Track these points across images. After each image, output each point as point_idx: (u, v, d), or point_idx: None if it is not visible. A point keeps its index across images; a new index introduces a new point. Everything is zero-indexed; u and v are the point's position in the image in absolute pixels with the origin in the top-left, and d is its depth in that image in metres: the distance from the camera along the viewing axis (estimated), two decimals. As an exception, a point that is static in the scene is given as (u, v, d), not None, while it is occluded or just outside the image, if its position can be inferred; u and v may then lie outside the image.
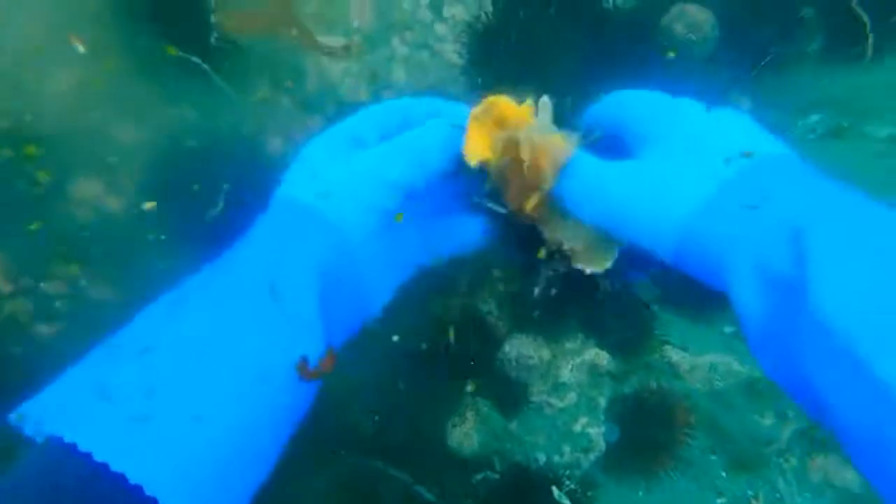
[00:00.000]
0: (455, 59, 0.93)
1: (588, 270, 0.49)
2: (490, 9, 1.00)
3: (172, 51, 0.70)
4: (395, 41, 0.90)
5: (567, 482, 1.02)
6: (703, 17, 1.31)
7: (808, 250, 0.33)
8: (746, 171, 0.39)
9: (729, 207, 0.38)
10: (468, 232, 0.54)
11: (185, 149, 0.72)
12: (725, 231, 0.38)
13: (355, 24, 0.85)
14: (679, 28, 1.32)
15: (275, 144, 0.80)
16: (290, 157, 0.49)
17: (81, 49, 0.67)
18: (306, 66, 0.83)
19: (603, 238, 0.49)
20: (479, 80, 0.97)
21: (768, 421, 1.15)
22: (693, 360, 1.18)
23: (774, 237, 0.35)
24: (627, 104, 0.50)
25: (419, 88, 0.90)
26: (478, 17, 0.98)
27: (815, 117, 1.42)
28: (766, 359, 0.37)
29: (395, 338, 0.81)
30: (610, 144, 0.49)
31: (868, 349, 0.29)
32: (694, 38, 1.34)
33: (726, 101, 1.34)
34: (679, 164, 0.41)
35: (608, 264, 0.50)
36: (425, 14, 0.92)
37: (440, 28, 0.93)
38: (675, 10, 1.31)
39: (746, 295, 0.37)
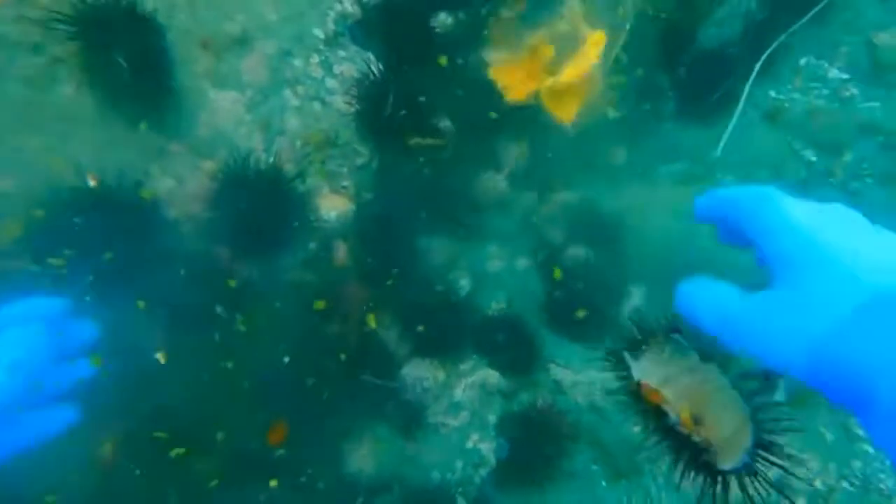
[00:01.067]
0: (345, 108, 1.05)
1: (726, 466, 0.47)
2: (379, 66, 1.14)
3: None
4: (288, 93, 1.00)
5: (461, 500, 1.11)
6: None
7: None
8: (884, 292, 0.39)
9: (866, 329, 0.38)
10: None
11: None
12: (859, 356, 0.38)
13: (246, 78, 0.95)
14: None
15: (168, 186, 0.86)
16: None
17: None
18: (199, 114, 0.90)
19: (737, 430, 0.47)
20: (368, 126, 1.09)
21: (639, 429, 1.30)
22: (575, 376, 1.33)
23: None
24: (760, 213, 0.46)
25: (312, 133, 1.01)
26: (367, 73, 1.11)
27: (676, 165, 1.68)
28: None
29: (286, 359, 0.87)
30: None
31: None
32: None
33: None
34: (815, 284, 0.40)
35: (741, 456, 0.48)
36: (317, 71, 1.03)
37: (331, 82, 1.05)
38: None
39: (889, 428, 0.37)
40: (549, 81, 1.13)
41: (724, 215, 0.50)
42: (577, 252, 1.38)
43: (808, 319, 0.40)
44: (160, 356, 0.81)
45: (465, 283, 1.35)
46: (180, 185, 0.86)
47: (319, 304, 1.00)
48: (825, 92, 1.74)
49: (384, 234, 1.10)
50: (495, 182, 1.45)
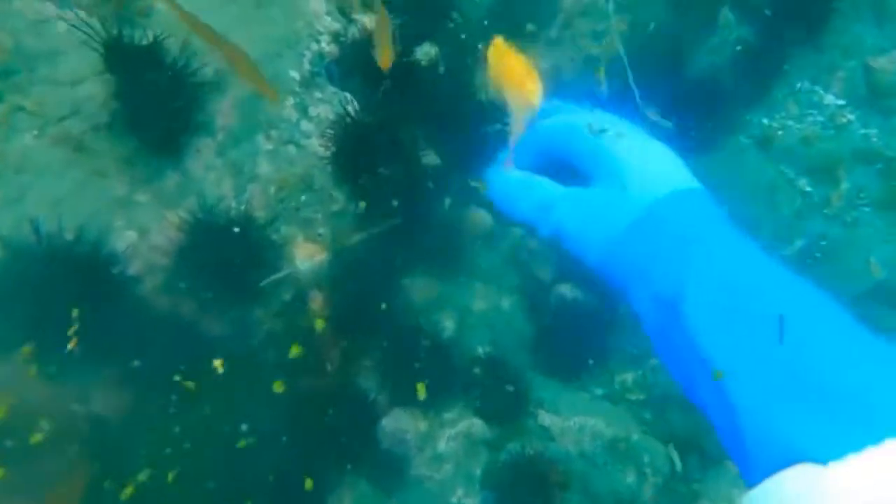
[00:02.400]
0: (321, 151, 1.04)
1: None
2: (356, 107, 1.13)
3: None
4: (260, 138, 0.99)
5: (445, 558, 1.08)
6: None
7: (685, 284, 0.46)
8: (656, 206, 0.50)
9: (639, 237, 0.49)
10: None
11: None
12: (632, 259, 0.50)
13: (216, 122, 0.94)
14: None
15: (131, 239, 0.84)
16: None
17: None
18: (165, 161, 0.89)
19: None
20: (345, 169, 1.09)
21: (630, 478, 1.29)
22: (564, 422, 1.31)
23: (664, 270, 0.47)
24: (570, 134, 0.62)
25: (286, 178, 0.99)
26: (344, 115, 1.10)
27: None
28: (659, 349, 0.51)
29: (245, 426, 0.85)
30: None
31: (712, 352, 0.44)
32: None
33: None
34: (610, 195, 0.53)
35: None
36: (292, 113, 1.03)
37: (306, 125, 1.04)
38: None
39: (644, 309, 0.50)
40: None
41: (545, 148, 0.64)
42: (565, 291, 1.37)
43: (601, 223, 0.52)
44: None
45: (449, 325, 1.33)
46: (144, 237, 0.85)
47: (295, 350, 0.99)
48: (820, 118, 1.75)
49: (361, 279, 1.09)
50: (481, 216, 1.44)
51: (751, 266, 0.46)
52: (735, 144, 1.66)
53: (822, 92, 1.73)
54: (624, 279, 0.52)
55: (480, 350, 1.31)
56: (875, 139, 1.72)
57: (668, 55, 1.56)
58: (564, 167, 0.64)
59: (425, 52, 1.42)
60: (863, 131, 1.73)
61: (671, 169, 0.57)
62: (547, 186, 0.61)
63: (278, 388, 0.86)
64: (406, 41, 1.14)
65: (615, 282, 0.54)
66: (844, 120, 1.71)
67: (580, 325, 1.36)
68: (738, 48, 1.52)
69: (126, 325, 0.79)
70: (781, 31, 1.56)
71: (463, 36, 1.34)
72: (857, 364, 0.42)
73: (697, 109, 1.60)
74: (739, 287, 0.45)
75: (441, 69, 1.27)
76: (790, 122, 1.84)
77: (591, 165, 0.59)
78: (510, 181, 0.64)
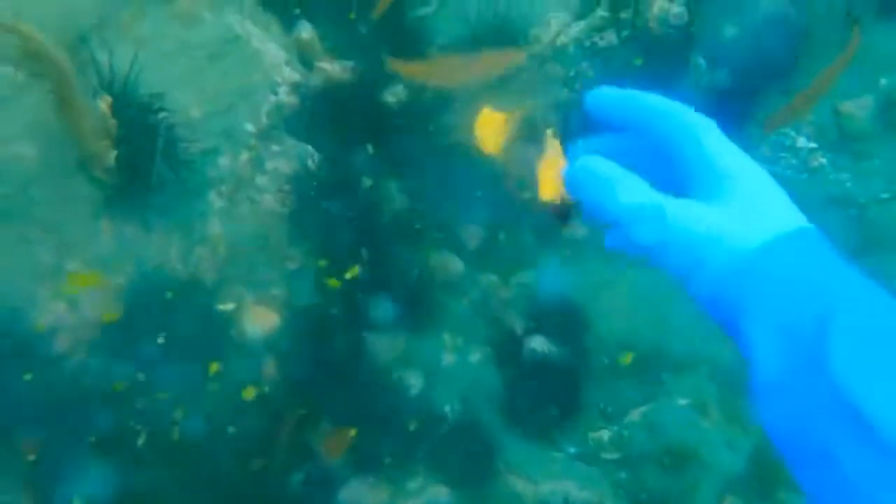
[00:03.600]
0: (276, 207, 1.00)
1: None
2: (316, 159, 1.10)
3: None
4: (212, 195, 0.96)
5: None
6: None
7: (832, 324, 0.39)
8: (791, 235, 0.45)
9: (763, 269, 0.44)
10: None
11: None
12: (756, 286, 0.44)
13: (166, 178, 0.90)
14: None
15: (58, 311, 0.79)
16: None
17: None
18: (101, 222, 0.85)
19: None
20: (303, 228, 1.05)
21: (604, 546, 1.25)
22: (535, 487, 1.27)
23: (800, 304, 0.42)
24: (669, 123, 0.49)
25: (237, 240, 0.96)
26: (304, 166, 1.08)
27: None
28: (769, 408, 0.43)
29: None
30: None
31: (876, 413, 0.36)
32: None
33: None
34: (734, 213, 0.46)
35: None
36: (246, 169, 0.99)
37: (261, 180, 1.01)
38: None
39: (764, 346, 0.43)
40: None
41: (639, 119, 0.50)
42: (537, 345, 1.34)
43: (722, 243, 0.44)
44: None
45: (415, 382, 1.29)
46: (73, 309, 0.80)
47: (249, 393, 0.93)
48: (794, 161, 1.78)
49: (318, 342, 1.05)
50: (451, 262, 1.41)
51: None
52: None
53: (794, 135, 1.77)
54: (742, 307, 0.45)
55: (448, 408, 1.27)
56: (848, 184, 1.75)
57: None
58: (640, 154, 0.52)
59: (394, 92, 1.42)
60: (835, 175, 1.76)
61: (788, 201, 0.49)
62: (647, 187, 0.48)
63: (247, 394, 0.80)
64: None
65: (727, 308, 0.47)
66: (817, 163, 1.75)
67: (553, 380, 1.33)
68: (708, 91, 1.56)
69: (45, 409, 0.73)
70: (751, 75, 1.60)
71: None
72: None
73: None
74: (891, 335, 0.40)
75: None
76: (763, 165, 1.88)
77: (695, 170, 0.49)
78: (599, 170, 0.50)
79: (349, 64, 1.27)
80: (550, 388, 1.31)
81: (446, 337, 1.40)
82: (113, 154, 0.80)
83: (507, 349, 1.36)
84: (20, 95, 0.83)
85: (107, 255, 0.85)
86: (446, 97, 1.52)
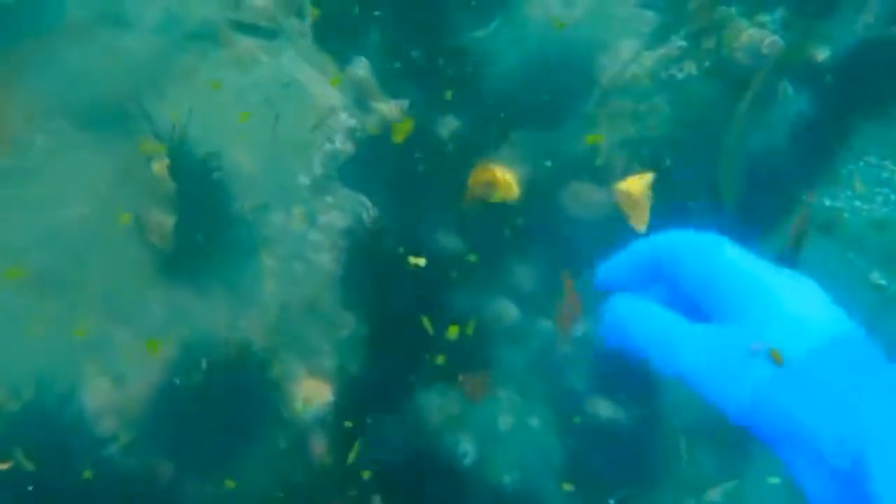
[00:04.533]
0: (330, 266, 0.96)
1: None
2: (372, 211, 1.06)
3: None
4: (263, 255, 0.92)
5: None
6: (595, 195, 1.46)
7: (868, 450, 0.38)
8: (813, 354, 0.43)
9: (791, 388, 0.42)
10: None
11: None
12: (786, 413, 0.42)
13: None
14: (574, 208, 1.46)
15: (104, 389, 0.76)
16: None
17: None
18: (152, 294, 0.82)
19: None
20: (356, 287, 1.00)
21: None
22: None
23: (832, 428, 0.41)
24: (693, 255, 0.51)
25: (289, 304, 0.91)
26: (359, 219, 1.03)
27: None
28: None
29: None
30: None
31: None
32: (590, 215, 1.48)
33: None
34: (752, 332, 0.45)
35: None
36: (299, 225, 0.95)
37: (315, 236, 0.96)
38: (567, 190, 1.45)
39: (804, 472, 0.42)
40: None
41: (653, 261, 0.51)
42: (601, 409, 1.25)
43: (743, 373, 0.43)
44: None
45: (468, 449, 1.22)
46: (119, 385, 0.77)
47: (296, 473, 0.88)
48: (893, 198, 1.63)
49: (371, 408, 0.99)
50: (507, 308, 1.34)
51: None
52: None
53: (892, 167, 1.62)
54: (776, 435, 0.44)
55: (507, 478, 1.19)
56: (956, 222, 1.59)
57: (717, 135, 1.47)
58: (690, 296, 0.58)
59: (447, 124, 1.36)
60: (940, 211, 1.60)
61: (822, 308, 0.47)
62: (670, 318, 0.50)
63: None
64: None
65: (762, 436, 0.45)
66: (918, 198, 1.59)
67: (620, 449, 1.24)
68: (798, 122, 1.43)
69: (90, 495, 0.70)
70: (846, 102, 1.47)
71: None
72: None
73: (750, 192, 1.50)
74: None
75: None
76: (857, 203, 1.72)
77: (717, 296, 0.48)
78: (622, 306, 0.53)
79: (405, 102, 1.23)
80: (617, 457, 1.21)
81: (503, 396, 1.32)
82: (171, 220, 0.77)
83: (568, 412, 1.27)
84: (77, 152, 0.82)
85: (157, 324, 0.82)
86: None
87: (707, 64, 1.26)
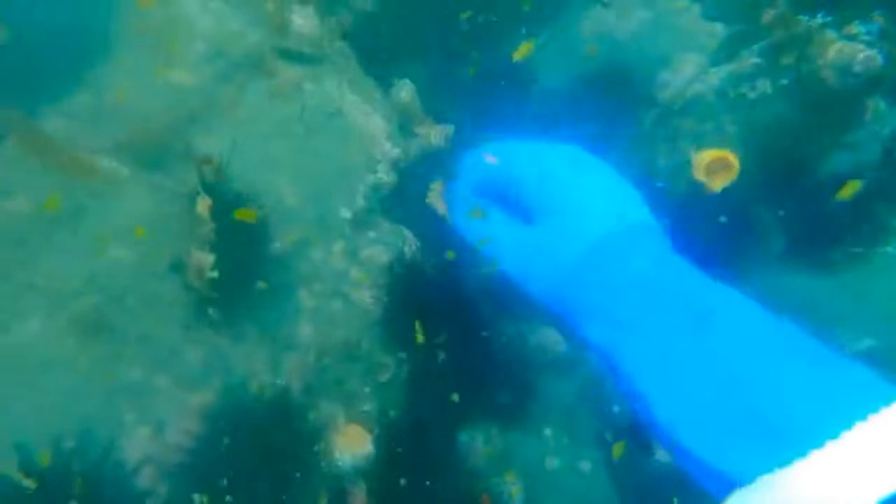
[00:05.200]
0: (371, 306, 0.92)
1: None
2: (413, 245, 1.02)
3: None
4: (302, 293, 0.89)
5: None
6: None
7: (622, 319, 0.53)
8: (607, 238, 0.54)
9: (593, 268, 0.53)
10: None
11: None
12: (575, 295, 0.55)
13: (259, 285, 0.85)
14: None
15: (144, 438, 0.75)
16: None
17: None
18: (191, 337, 0.81)
19: None
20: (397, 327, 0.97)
21: None
22: None
23: (606, 307, 0.53)
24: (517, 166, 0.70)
25: (327, 344, 0.89)
26: (400, 255, 0.99)
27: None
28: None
29: None
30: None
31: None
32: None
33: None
34: (549, 233, 0.58)
35: None
36: (339, 261, 0.92)
37: (355, 273, 0.93)
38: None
39: (593, 334, 0.55)
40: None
41: (489, 178, 0.72)
42: (663, 456, 1.17)
43: (543, 261, 0.58)
44: None
45: (516, 492, 1.17)
46: (158, 434, 0.76)
47: None
48: None
49: (410, 457, 0.95)
50: (552, 337, 1.28)
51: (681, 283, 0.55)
52: (883, 258, 1.42)
53: None
54: (569, 314, 0.57)
55: (553, 524, 1.13)
56: None
57: (794, 155, 1.37)
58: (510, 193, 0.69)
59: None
60: None
61: (613, 201, 0.60)
62: (494, 217, 0.67)
63: None
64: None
65: (560, 316, 0.59)
66: None
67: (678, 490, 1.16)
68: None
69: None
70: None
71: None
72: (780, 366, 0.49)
73: (833, 217, 1.38)
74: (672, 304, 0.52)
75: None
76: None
77: (534, 197, 0.64)
78: (464, 206, 0.72)
79: (449, 128, 1.19)
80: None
81: (549, 433, 1.26)
82: (210, 260, 0.76)
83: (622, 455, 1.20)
84: (123, 192, 0.81)
85: (195, 370, 0.80)
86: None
87: (785, 82, 1.16)
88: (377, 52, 1.13)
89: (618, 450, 1.15)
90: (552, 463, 1.20)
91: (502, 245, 0.64)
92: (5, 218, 0.76)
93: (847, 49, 1.07)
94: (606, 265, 0.53)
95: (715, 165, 1.03)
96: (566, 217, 0.58)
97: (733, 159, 1.09)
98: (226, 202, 0.78)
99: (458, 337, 0.99)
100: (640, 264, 0.54)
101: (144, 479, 0.72)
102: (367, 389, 0.88)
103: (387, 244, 0.96)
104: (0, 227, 0.76)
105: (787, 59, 1.14)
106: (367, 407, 0.88)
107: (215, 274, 0.77)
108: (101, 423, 0.73)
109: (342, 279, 0.91)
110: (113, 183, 0.79)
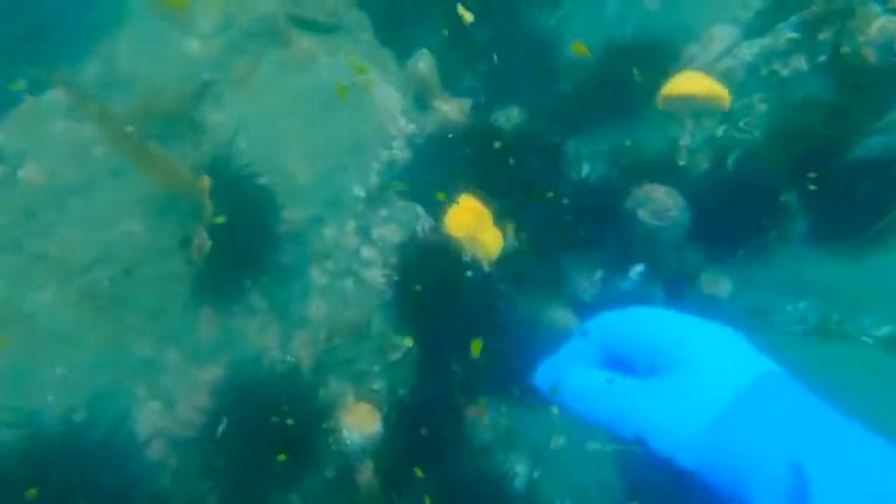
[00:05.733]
0: (382, 285, 0.92)
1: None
2: (426, 223, 1.00)
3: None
4: (315, 271, 0.89)
5: None
6: (670, 201, 1.34)
7: (810, 479, 0.45)
8: (744, 394, 0.50)
9: (733, 428, 0.49)
10: None
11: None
12: (733, 450, 0.49)
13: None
14: (644, 214, 1.34)
15: (154, 412, 0.76)
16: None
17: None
18: (201, 308, 0.81)
19: None
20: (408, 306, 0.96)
21: None
22: None
23: (777, 461, 0.46)
24: (633, 326, 0.63)
25: (338, 323, 0.89)
26: (412, 233, 0.98)
27: (802, 304, 1.43)
28: None
29: None
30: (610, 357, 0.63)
31: None
32: (660, 224, 1.36)
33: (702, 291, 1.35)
34: (690, 386, 0.53)
35: None
36: (351, 239, 0.92)
37: (367, 252, 0.93)
38: (639, 193, 1.33)
39: (765, 498, 0.47)
40: None
41: (607, 342, 0.65)
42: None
43: (687, 416, 0.51)
44: None
45: (521, 470, 1.19)
46: (169, 408, 0.77)
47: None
48: None
49: (415, 432, 0.97)
50: (564, 316, 1.28)
51: (860, 444, 0.48)
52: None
53: None
54: (728, 473, 0.51)
55: (558, 502, 1.15)
56: None
57: (825, 137, 1.31)
58: (629, 363, 0.64)
59: (508, 115, 1.28)
60: None
61: (746, 352, 0.57)
62: (623, 383, 0.61)
63: None
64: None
65: (718, 478, 0.53)
66: None
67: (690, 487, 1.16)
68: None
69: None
70: None
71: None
72: None
73: (859, 201, 1.34)
74: (859, 467, 0.46)
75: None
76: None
77: (662, 358, 0.59)
78: (584, 384, 0.64)
79: (467, 102, 1.16)
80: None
81: (555, 411, 1.27)
82: (207, 239, 0.75)
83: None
84: (132, 164, 0.81)
85: (205, 345, 0.81)
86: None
87: (821, 59, 1.10)
88: (394, 21, 1.10)
89: None
90: (558, 442, 1.21)
91: (638, 408, 0.58)
92: (18, 188, 0.77)
93: (891, 25, 1.01)
94: (759, 414, 0.50)
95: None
96: (691, 373, 0.55)
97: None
98: (235, 177, 0.77)
99: (468, 315, 0.98)
100: (786, 416, 0.50)
101: (155, 451, 0.74)
102: (376, 368, 0.89)
103: (400, 222, 0.95)
104: (12, 198, 0.76)
105: (825, 34, 1.08)
106: (376, 386, 0.89)
107: (222, 248, 0.77)
108: (112, 397, 0.74)
109: (354, 258, 0.91)
110: (194, 191, 0.75)
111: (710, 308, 1.33)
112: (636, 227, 1.27)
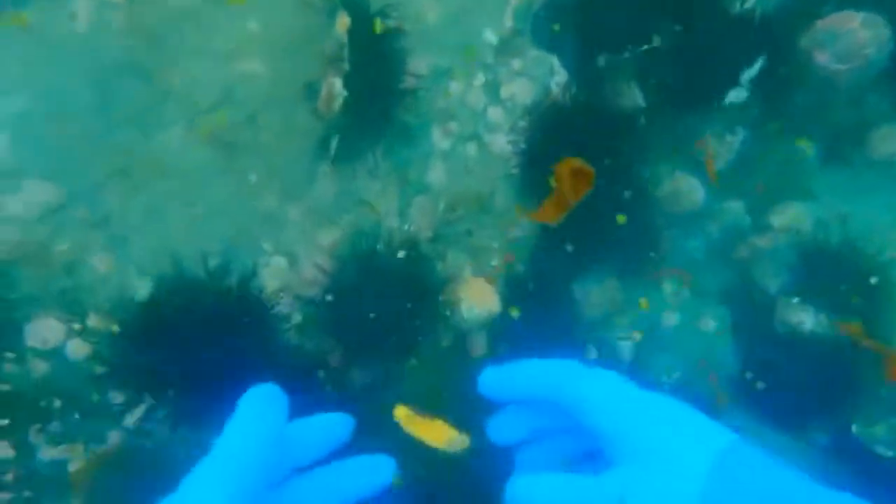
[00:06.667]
0: (508, 153, 0.82)
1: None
2: (561, 80, 0.85)
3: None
4: (437, 132, 0.80)
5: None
6: (866, 35, 1.03)
7: None
8: (714, 470, 0.46)
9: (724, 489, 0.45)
10: None
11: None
12: None
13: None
14: (824, 58, 1.05)
15: (280, 268, 0.77)
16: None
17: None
18: (321, 165, 0.76)
19: None
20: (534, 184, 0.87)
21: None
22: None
23: None
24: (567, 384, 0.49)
25: (459, 193, 0.82)
26: (546, 92, 0.84)
27: None
28: None
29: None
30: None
31: None
32: (847, 67, 1.08)
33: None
34: (656, 474, 0.46)
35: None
36: (478, 97, 0.80)
37: (494, 113, 0.81)
38: (824, 25, 1.02)
39: None
40: None
41: (530, 392, 0.50)
42: (802, 318, 1.08)
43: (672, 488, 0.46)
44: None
45: (626, 346, 1.17)
46: (293, 266, 0.77)
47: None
48: None
49: (526, 307, 0.94)
50: (689, 188, 1.15)
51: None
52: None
53: None
54: None
55: (665, 378, 1.14)
56: None
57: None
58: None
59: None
60: None
61: (699, 425, 0.48)
62: (584, 485, 0.48)
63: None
64: None
65: None
66: None
67: (816, 363, 1.10)
68: None
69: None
70: None
71: None
72: None
73: None
74: None
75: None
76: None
77: (609, 438, 0.49)
78: (539, 493, 0.50)
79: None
80: (811, 373, 1.08)
81: (669, 289, 1.21)
82: (342, 86, 0.68)
83: (754, 316, 1.13)
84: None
85: (325, 204, 0.78)
86: None
87: None
88: None
89: None
90: (669, 319, 1.17)
91: None
92: (144, 10, 0.70)
93: None
94: (733, 489, 0.46)
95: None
96: (661, 451, 0.48)
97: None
98: (363, 20, 0.66)
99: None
100: (762, 481, 0.46)
101: (283, 305, 0.76)
102: (495, 245, 0.84)
103: (532, 77, 0.82)
104: (137, 22, 0.70)
105: None
106: (494, 262, 0.85)
107: (345, 101, 0.69)
108: (240, 248, 0.75)
109: (479, 120, 0.81)
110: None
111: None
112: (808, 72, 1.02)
